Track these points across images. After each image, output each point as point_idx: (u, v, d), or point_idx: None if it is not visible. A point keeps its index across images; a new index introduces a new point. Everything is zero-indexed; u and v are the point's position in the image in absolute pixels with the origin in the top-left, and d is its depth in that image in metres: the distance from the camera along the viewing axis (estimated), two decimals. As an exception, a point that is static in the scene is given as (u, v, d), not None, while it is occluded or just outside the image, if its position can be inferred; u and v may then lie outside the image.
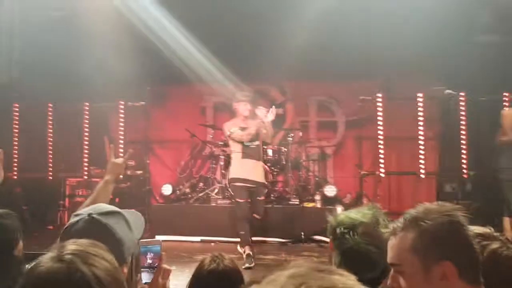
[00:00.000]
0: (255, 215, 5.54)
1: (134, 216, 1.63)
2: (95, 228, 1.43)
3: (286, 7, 6.39)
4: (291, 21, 6.54)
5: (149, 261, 1.59)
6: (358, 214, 1.73)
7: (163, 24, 6.88)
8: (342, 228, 1.69)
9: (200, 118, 8.38)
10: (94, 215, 1.46)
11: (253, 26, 6.82)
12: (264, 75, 7.93)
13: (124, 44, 6.98)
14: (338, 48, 6.81)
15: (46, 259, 1.03)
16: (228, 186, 5.92)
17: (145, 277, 1.56)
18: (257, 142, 5.59)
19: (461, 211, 1.24)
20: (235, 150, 5.64)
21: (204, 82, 7.83)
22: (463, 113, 6.52)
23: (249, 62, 7.26)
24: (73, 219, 1.48)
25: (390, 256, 1.29)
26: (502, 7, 6.23)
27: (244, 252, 5.26)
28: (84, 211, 1.50)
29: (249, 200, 5.42)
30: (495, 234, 1.60)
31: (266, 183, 5.71)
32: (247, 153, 5.51)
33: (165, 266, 1.57)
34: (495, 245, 1.49)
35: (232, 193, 5.67)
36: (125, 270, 1.46)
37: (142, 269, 1.57)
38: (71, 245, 1.07)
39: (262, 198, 5.64)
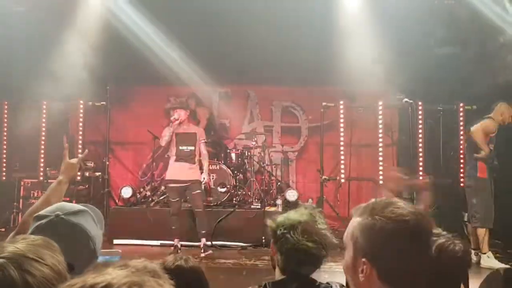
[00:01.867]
0: (196, 210, 5.91)
1: (95, 211, 1.59)
2: (67, 229, 1.40)
3: (253, 11, 6.40)
4: (257, 24, 6.56)
5: None
6: (296, 214, 1.81)
7: (127, 22, 6.74)
8: (282, 229, 1.76)
9: (163, 120, 8.27)
10: (63, 216, 1.41)
11: (219, 28, 6.80)
12: (230, 78, 7.96)
13: (86, 41, 6.79)
14: (302, 54, 6.91)
15: None
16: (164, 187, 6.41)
17: None
18: (191, 147, 5.97)
19: (423, 220, 1.18)
20: (171, 153, 6.08)
21: (169, 83, 7.75)
22: (420, 121, 6.73)
23: (215, 65, 7.26)
24: (38, 221, 1.42)
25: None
26: (459, 19, 6.49)
27: (174, 243, 5.90)
28: (47, 211, 1.45)
29: (178, 199, 5.90)
30: (444, 233, 1.68)
31: (199, 179, 5.96)
32: (180, 156, 5.93)
33: None
34: (442, 239, 1.56)
35: (167, 194, 6.22)
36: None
37: None
38: (10, 247, 1.01)
39: (198, 191, 5.89)
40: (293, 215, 1.81)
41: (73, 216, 1.43)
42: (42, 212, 1.46)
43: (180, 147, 5.93)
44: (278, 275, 1.83)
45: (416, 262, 1.16)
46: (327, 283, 1.78)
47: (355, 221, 1.22)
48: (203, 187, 6.10)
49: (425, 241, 1.18)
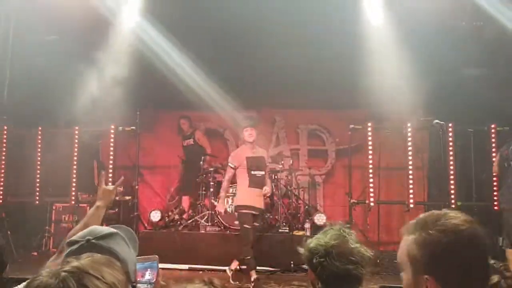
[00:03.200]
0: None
1: (126, 232, 1.61)
2: (97, 253, 1.39)
3: (278, 34, 6.49)
4: (283, 48, 6.65)
5: (148, 276, 1.60)
6: (326, 237, 1.81)
7: (156, 48, 6.93)
8: (318, 258, 1.76)
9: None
10: (94, 240, 1.44)
11: (245, 53, 6.91)
12: (257, 102, 8.03)
13: (116, 68, 6.99)
14: (328, 77, 6.93)
15: (45, 273, 1.03)
16: (235, 212, 6.19)
17: None
18: (262, 172, 5.80)
19: (478, 227, 1.18)
20: (241, 178, 5.84)
21: (196, 109, 7.88)
22: (451, 143, 6.60)
23: (242, 90, 7.35)
24: (70, 247, 1.44)
25: (397, 254, 1.30)
26: (491, 41, 6.42)
27: (251, 276, 5.55)
28: (78, 237, 1.48)
29: (252, 227, 5.65)
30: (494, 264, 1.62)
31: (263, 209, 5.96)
32: (253, 181, 5.75)
33: (162, 282, 1.63)
34: (495, 279, 1.50)
35: (239, 219, 5.83)
36: None
37: (140, 284, 1.58)
38: (75, 262, 1.07)
39: (257, 225, 5.80)
40: (323, 239, 1.81)
41: (103, 240, 1.45)
42: (74, 238, 1.50)
43: (252, 172, 5.74)
44: None
45: (477, 270, 1.14)
46: None
47: (409, 240, 1.20)
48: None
49: (483, 248, 1.16)
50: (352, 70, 6.69)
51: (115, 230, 1.53)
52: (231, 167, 5.85)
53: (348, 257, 1.73)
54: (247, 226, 5.59)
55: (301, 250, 1.87)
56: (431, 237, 1.14)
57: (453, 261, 1.12)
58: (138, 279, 1.61)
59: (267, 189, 5.82)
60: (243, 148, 5.94)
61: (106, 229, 1.52)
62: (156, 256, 1.68)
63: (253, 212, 5.66)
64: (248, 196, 5.73)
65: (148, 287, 1.64)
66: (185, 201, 7.81)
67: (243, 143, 6.12)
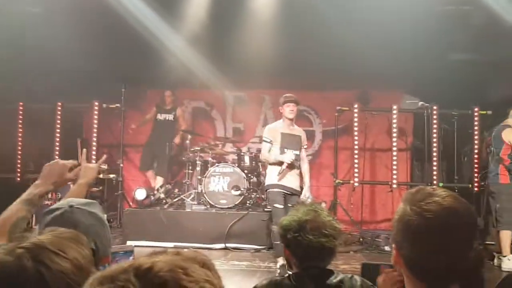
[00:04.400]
0: None
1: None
2: (85, 217, 1.42)
3: (267, 15, 6.43)
4: (274, 32, 6.59)
5: None
6: (299, 213, 1.85)
7: (144, 24, 6.76)
8: (291, 233, 1.80)
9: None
10: (78, 206, 1.44)
11: (235, 33, 6.82)
12: (246, 83, 7.99)
13: (102, 43, 6.83)
14: (316, 58, 6.92)
15: (1, 249, 0.95)
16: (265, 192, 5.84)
17: None
18: (296, 152, 5.29)
19: (457, 217, 1.13)
20: (271, 155, 5.34)
21: (184, 86, 7.78)
22: (435, 126, 6.70)
23: (230, 69, 7.28)
24: (51, 214, 1.43)
25: None
26: (475, 24, 6.48)
27: (277, 262, 5.22)
28: (58, 205, 1.46)
29: (283, 208, 5.13)
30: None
31: (300, 191, 5.36)
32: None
33: None
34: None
35: (268, 199, 5.59)
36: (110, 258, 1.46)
37: None
38: (34, 238, 0.99)
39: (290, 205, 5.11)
40: (297, 216, 1.84)
41: (88, 207, 1.47)
42: (52, 206, 1.47)
43: (286, 149, 5.26)
44: (296, 270, 1.86)
45: (445, 261, 1.11)
46: (346, 274, 1.82)
47: (400, 206, 1.22)
48: None
49: (456, 239, 1.12)
50: (340, 52, 6.70)
51: (94, 201, 1.54)
52: (266, 142, 5.35)
53: (321, 230, 1.77)
54: (278, 206, 5.14)
55: (274, 228, 1.91)
56: (406, 214, 1.16)
57: (417, 245, 1.14)
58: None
59: (308, 196, 5.26)
60: (280, 123, 5.44)
61: (86, 200, 1.54)
62: (132, 245, 1.68)
63: (284, 191, 5.23)
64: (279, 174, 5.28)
65: None
66: (153, 179, 7.74)
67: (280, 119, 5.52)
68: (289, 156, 5.16)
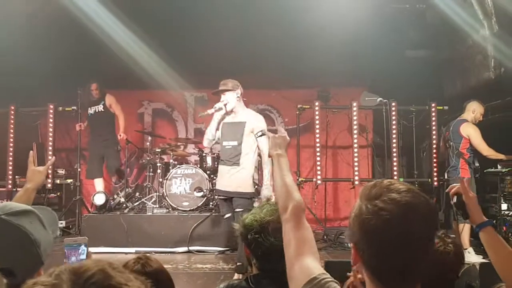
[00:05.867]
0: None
1: (46, 213, 1.49)
2: (6, 231, 1.30)
3: (224, 14, 6.37)
4: (233, 31, 6.54)
5: (73, 258, 1.50)
6: (262, 212, 1.79)
7: (99, 24, 6.56)
8: (253, 233, 1.75)
9: (137, 125, 8.15)
10: (3, 216, 1.31)
11: (195, 32, 6.73)
12: (207, 83, 7.89)
13: (57, 45, 6.60)
14: (276, 57, 6.92)
15: None
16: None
17: None
18: (234, 142, 4.61)
19: (415, 215, 1.07)
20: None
21: (143, 87, 7.62)
22: (394, 121, 6.81)
23: (191, 69, 7.18)
24: None
25: None
26: (430, 22, 6.62)
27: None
28: None
29: (229, 216, 4.70)
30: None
31: (247, 192, 4.60)
32: (222, 156, 4.78)
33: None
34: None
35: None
36: (42, 272, 1.34)
37: None
38: None
39: (240, 211, 4.46)
40: (259, 214, 1.79)
41: (15, 217, 1.33)
42: None
43: (224, 143, 4.65)
44: (256, 271, 1.80)
45: (404, 261, 1.07)
46: None
47: (357, 202, 1.16)
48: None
49: (414, 235, 1.07)
50: (299, 51, 6.72)
51: (30, 208, 1.41)
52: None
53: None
54: (224, 216, 4.77)
55: (236, 226, 1.84)
56: (363, 212, 1.10)
57: (374, 245, 1.08)
58: (67, 261, 1.50)
59: (266, 194, 4.48)
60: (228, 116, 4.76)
61: (20, 206, 1.40)
62: (86, 237, 1.59)
63: (219, 196, 4.80)
64: (218, 176, 4.79)
65: None
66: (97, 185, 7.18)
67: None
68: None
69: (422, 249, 1.08)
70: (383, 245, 1.06)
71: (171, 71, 7.11)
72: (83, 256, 1.52)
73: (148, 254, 2.02)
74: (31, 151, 2.27)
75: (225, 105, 4.61)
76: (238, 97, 4.64)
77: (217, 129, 4.75)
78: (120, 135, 7.13)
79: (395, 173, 6.83)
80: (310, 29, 6.37)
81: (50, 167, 2.36)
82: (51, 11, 6.24)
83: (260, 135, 4.21)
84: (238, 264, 4.61)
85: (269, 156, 1.73)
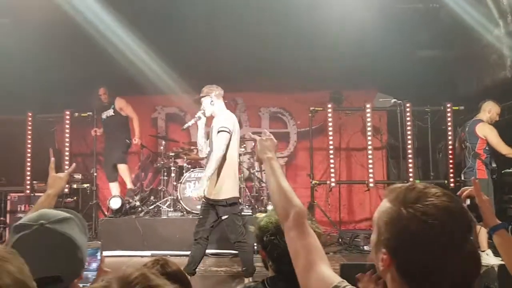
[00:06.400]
0: None
1: (78, 218, 1.50)
2: (53, 239, 1.33)
3: (239, 20, 6.40)
4: (245, 34, 6.56)
5: (94, 264, 1.54)
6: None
7: (114, 33, 6.66)
8: (268, 236, 1.77)
9: (151, 130, 8.23)
10: (48, 225, 1.33)
11: (206, 36, 6.78)
12: (218, 86, 7.91)
13: (72, 52, 6.72)
14: (288, 60, 6.92)
15: None
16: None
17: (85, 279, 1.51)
18: (209, 148, 4.65)
19: (457, 219, 1.08)
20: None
21: (156, 92, 7.69)
22: (409, 123, 6.74)
23: (203, 73, 7.21)
24: (21, 232, 1.33)
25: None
26: (444, 23, 6.55)
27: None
28: (29, 220, 1.36)
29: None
30: None
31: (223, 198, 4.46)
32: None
33: (105, 268, 1.54)
34: None
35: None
36: (83, 276, 1.39)
37: (88, 272, 1.53)
38: None
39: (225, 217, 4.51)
40: (274, 217, 1.79)
41: (59, 225, 1.36)
42: (23, 221, 1.37)
43: (208, 150, 4.67)
44: (272, 273, 1.81)
45: (441, 262, 1.07)
46: None
47: (385, 206, 1.15)
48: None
49: (455, 240, 1.07)
50: (311, 53, 6.71)
51: (68, 215, 1.42)
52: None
53: None
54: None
55: (252, 228, 1.84)
56: (402, 216, 1.09)
57: (415, 249, 1.07)
58: (86, 267, 1.53)
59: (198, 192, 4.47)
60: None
61: (60, 213, 1.42)
62: (99, 242, 1.61)
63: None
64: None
65: (94, 275, 1.57)
66: (113, 189, 7.24)
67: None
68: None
69: (459, 252, 1.08)
70: (424, 248, 1.06)
71: (183, 75, 7.16)
72: (99, 262, 1.55)
73: (164, 257, 2.04)
74: (52, 158, 2.30)
75: (202, 113, 4.70)
76: (212, 101, 4.66)
77: (207, 137, 4.80)
78: (135, 140, 7.19)
79: (410, 174, 6.76)
80: (321, 31, 6.36)
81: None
82: (66, 21, 6.35)
83: (218, 132, 4.37)
84: (243, 269, 4.64)
85: (258, 160, 1.67)
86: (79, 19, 6.35)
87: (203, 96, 4.73)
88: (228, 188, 4.46)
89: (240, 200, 4.96)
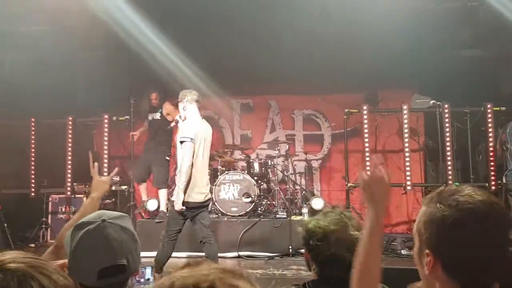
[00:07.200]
0: None
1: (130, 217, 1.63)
2: (118, 232, 1.42)
3: (271, 21, 6.41)
4: (278, 36, 6.57)
5: (148, 276, 1.62)
6: (326, 220, 1.77)
7: (149, 38, 6.81)
8: (315, 240, 1.74)
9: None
10: (110, 220, 1.44)
11: (241, 41, 6.82)
12: (251, 89, 7.98)
13: (109, 58, 6.91)
14: (321, 60, 6.86)
15: None
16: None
17: None
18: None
19: (492, 207, 1.08)
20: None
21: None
22: (447, 124, 6.56)
23: (236, 76, 7.28)
24: (84, 228, 1.43)
25: None
26: (484, 22, 6.37)
27: None
28: (90, 218, 1.46)
29: None
30: None
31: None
32: None
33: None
34: None
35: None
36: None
37: (142, 285, 1.61)
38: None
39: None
40: (323, 222, 1.78)
41: (120, 220, 1.46)
42: (84, 220, 1.47)
43: None
44: (314, 276, 1.80)
45: (484, 253, 1.06)
46: None
47: (422, 211, 1.16)
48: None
49: (494, 230, 1.06)
50: (345, 54, 6.64)
51: (123, 213, 1.54)
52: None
53: (346, 244, 1.70)
54: None
55: (300, 229, 1.84)
56: (437, 211, 1.10)
57: (454, 240, 1.07)
58: (138, 279, 1.62)
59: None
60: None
61: (115, 212, 1.53)
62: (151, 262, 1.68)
63: None
64: None
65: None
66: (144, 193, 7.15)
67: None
68: None
69: (503, 242, 1.07)
70: (466, 238, 1.06)
71: (217, 79, 7.24)
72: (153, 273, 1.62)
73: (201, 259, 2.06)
74: (96, 162, 2.38)
75: (180, 117, 4.78)
76: (184, 106, 4.70)
77: None
78: (168, 155, 7.01)
79: (449, 177, 6.58)
80: (356, 32, 6.29)
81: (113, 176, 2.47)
82: (102, 27, 6.55)
83: (180, 142, 4.44)
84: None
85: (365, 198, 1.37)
86: (115, 25, 6.55)
87: (179, 101, 4.80)
88: (191, 193, 4.54)
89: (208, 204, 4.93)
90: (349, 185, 6.75)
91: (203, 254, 5.98)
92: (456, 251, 1.07)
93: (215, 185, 6.71)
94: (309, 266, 1.86)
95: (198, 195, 4.59)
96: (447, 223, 1.07)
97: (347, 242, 1.70)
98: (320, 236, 1.73)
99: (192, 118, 4.69)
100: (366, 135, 6.73)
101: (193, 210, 4.61)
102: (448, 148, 6.57)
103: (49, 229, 7.40)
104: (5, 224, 6.69)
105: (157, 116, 7.26)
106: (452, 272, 1.08)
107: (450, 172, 6.60)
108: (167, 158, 7.06)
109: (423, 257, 1.13)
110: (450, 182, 6.53)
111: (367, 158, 6.73)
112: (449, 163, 6.60)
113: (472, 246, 1.06)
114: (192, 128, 4.55)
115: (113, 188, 7.43)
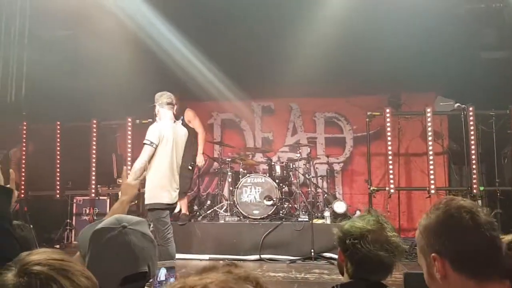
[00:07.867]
0: None
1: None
2: (138, 239, 1.44)
3: (293, 25, 6.41)
4: (299, 39, 6.56)
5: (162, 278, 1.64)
6: (363, 221, 1.78)
7: (171, 42, 6.89)
8: (351, 239, 1.74)
9: (207, 135, 8.37)
10: (130, 227, 1.45)
11: (262, 44, 6.85)
12: (272, 91, 7.99)
13: (132, 61, 7.00)
14: (343, 63, 6.83)
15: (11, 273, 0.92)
16: None
17: None
18: None
19: (474, 207, 1.20)
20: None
21: (212, 99, 7.85)
22: (472, 127, 6.46)
23: (257, 79, 7.30)
24: (107, 234, 1.45)
25: None
26: (509, 23, 6.26)
27: None
28: (110, 224, 1.48)
29: None
30: None
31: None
32: None
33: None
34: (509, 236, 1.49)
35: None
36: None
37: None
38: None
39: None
40: (360, 223, 1.79)
41: (139, 226, 1.48)
42: (104, 225, 1.49)
43: None
44: (346, 279, 1.80)
45: (476, 242, 1.14)
46: None
47: (423, 219, 1.26)
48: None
49: (478, 218, 1.16)
50: (368, 56, 6.59)
51: (141, 218, 1.55)
52: None
53: (382, 244, 1.70)
54: None
55: (335, 230, 1.85)
56: (432, 215, 1.21)
57: (449, 233, 1.16)
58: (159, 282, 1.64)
59: None
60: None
61: (134, 217, 1.54)
62: (174, 261, 1.69)
63: None
64: None
65: None
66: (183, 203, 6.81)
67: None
68: None
69: (490, 236, 1.15)
70: (467, 232, 1.14)
71: (238, 82, 7.27)
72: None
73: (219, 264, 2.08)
74: (124, 167, 2.44)
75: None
76: (157, 109, 4.77)
77: None
78: (198, 162, 6.77)
79: (474, 181, 6.46)
80: (378, 33, 6.24)
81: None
82: (124, 31, 6.65)
83: (143, 143, 4.49)
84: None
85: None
86: (138, 29, 6.65)
87: (153, 104, 4.87)
88: (151, 195, 4.54)
89: (174, 207, 4.93)
90: (371, 188, 6.69)
91: (225, 256, 6.09)
92: (453, 241, 1.15)
93: (237, 187, 6.73)
94: (342, 268, 1.86)
95: (166, 196, 4.55)
96: (434, 222, 1.20)
97: (384, 242, 1.70)
98: (357, 235, 1.74)
99: (161, 121, 4.73)
100: (389, 138, 6.66)
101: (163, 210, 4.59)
102: (472, 152, 6.46)
103: (73, 230, 7.52)
104: (31, 226, 6.82)
105: (179, 123, 7.23)
106: (461, 266, 1.14)
107: (474, 176, 6.49)
108: (190, 167, 6.90)
109: (432, 268, 1.18)
110: (475, 186, 6.42)
111: (390, 161, 6.66)
112: (473, 166, 6.48)
113: (471, 239, 1.14)
114: (157, 132, 4.52)
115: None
